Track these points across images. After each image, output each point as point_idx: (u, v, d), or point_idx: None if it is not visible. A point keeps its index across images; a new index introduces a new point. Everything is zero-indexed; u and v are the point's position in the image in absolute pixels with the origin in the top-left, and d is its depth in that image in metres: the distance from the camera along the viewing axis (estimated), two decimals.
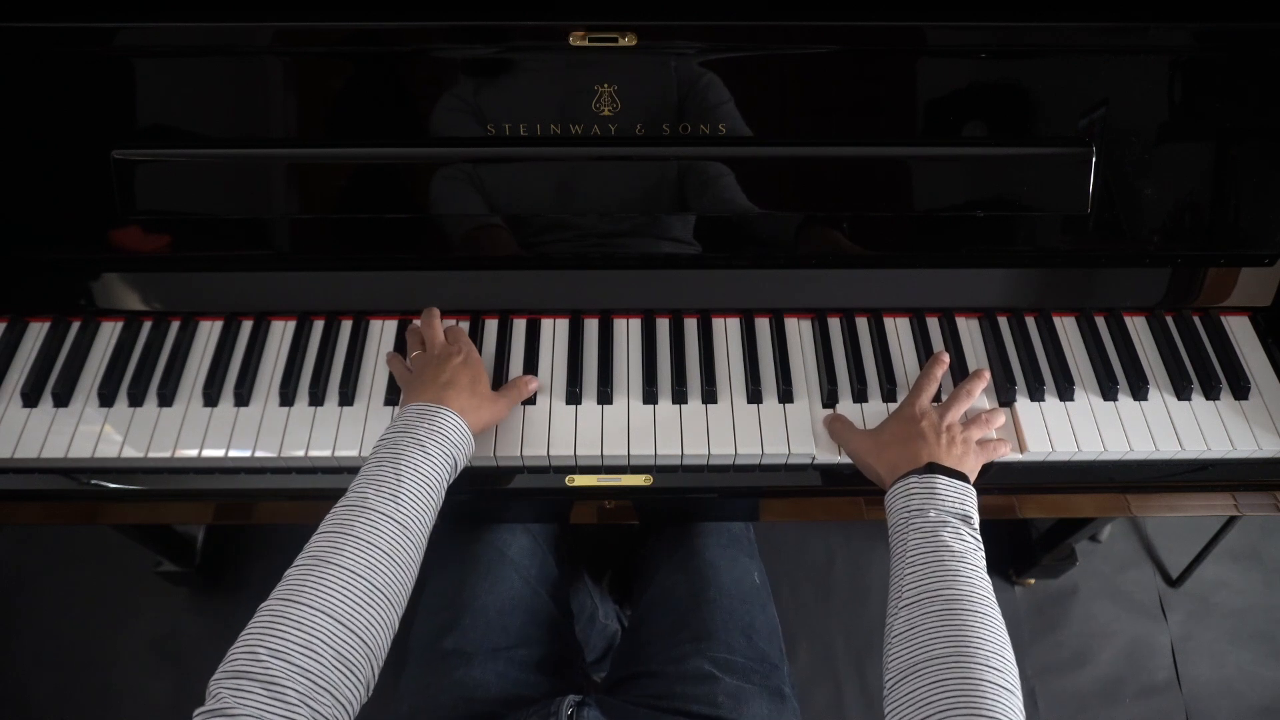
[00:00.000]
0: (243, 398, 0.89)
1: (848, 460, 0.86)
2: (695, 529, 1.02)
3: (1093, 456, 0.88)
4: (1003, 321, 0.96)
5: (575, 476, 0.87)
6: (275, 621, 0.59)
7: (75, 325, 0.94)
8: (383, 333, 0.94)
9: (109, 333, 0.94)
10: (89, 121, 0.86)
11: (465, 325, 0.94)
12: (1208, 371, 0.91)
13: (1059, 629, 1.58)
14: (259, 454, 0.86)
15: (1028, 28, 0.85)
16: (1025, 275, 0.96)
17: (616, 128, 0.87)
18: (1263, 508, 0.93)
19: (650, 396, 0.89)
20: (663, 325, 0.94)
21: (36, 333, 0.94)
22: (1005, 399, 0.90)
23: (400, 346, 0.93)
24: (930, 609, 0.65)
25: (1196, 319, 0.96)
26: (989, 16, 0.84)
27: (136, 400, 0.89)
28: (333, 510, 0.69)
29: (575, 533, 1.17)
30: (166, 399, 0.89)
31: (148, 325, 0.94)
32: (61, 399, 0.89)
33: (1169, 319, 0.96)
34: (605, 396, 0.89)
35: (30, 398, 0.89)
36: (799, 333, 0.94)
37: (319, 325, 0.95)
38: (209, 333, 0.94)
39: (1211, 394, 0.91)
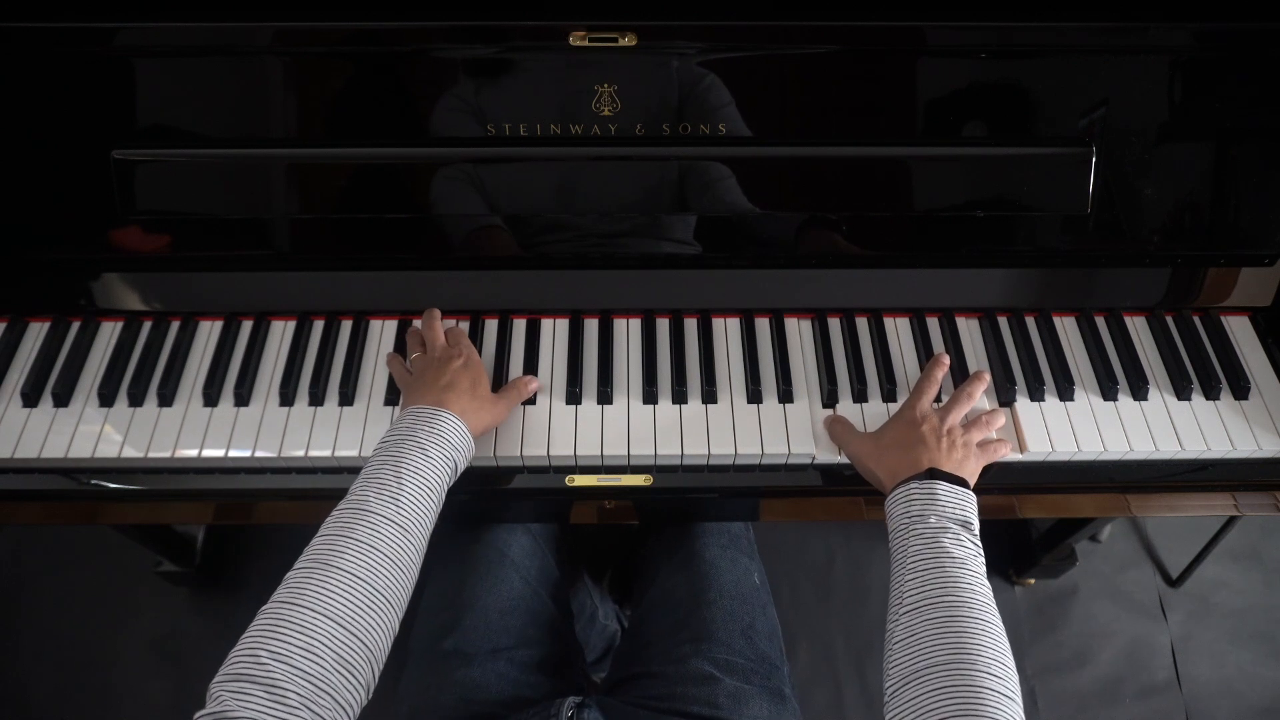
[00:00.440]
0: (243, 398, 0.89)
1: (847, 460, 0.86)
2: (695, 529, 1.01)
3: (1093, 456, 0.88)
4: (1003, 321, 0.96)
5: (575, 476, 0.87)
6: (276, 624, 0.59)
7: (75, 325, 0.94)
8: (383, 333, 0.94)
9: (109, 333, 0.94)
10: (89, 121, 0.86)
11: (465, 325, 0.94)
12: (1208, 371, 0.91)
13: (1059, 629, 1.58)
14: (259, 454, 0.86)
15: (1028, 28, 0.85)
16: (1025, 275, 0.96)
17: (616, 128, 0.87)
18: (1263, 508, 0.93)
19: (650, 396, 0.89)
20: (663, 325, 0.94)
21: (36, 333, 0.94)
22: (1005, 399, 0.90)
23: (400, 347, 0.93)
24: (931, 615, 0.66)
25: (1196, 319, 0.96)
26: (989, 16, 0.84)
27: (136, 400, 0.89)
28: (333, 513, 0.69)
29: (575, 533, 1.17)
30: (166, 399, 0.89)
31: (148, 325, 0.94)
32: (61, 399, 0.89)
33: (1169, 319, 0.96)
34: (605, 396, 0.89)
35: (30, 398, 0.89)
36: (799, 333, 0.94)
37: (319, 325, 0.95)
38: (209, 333, 0.94)
39: (1211, 394, 0.90)
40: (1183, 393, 0.90)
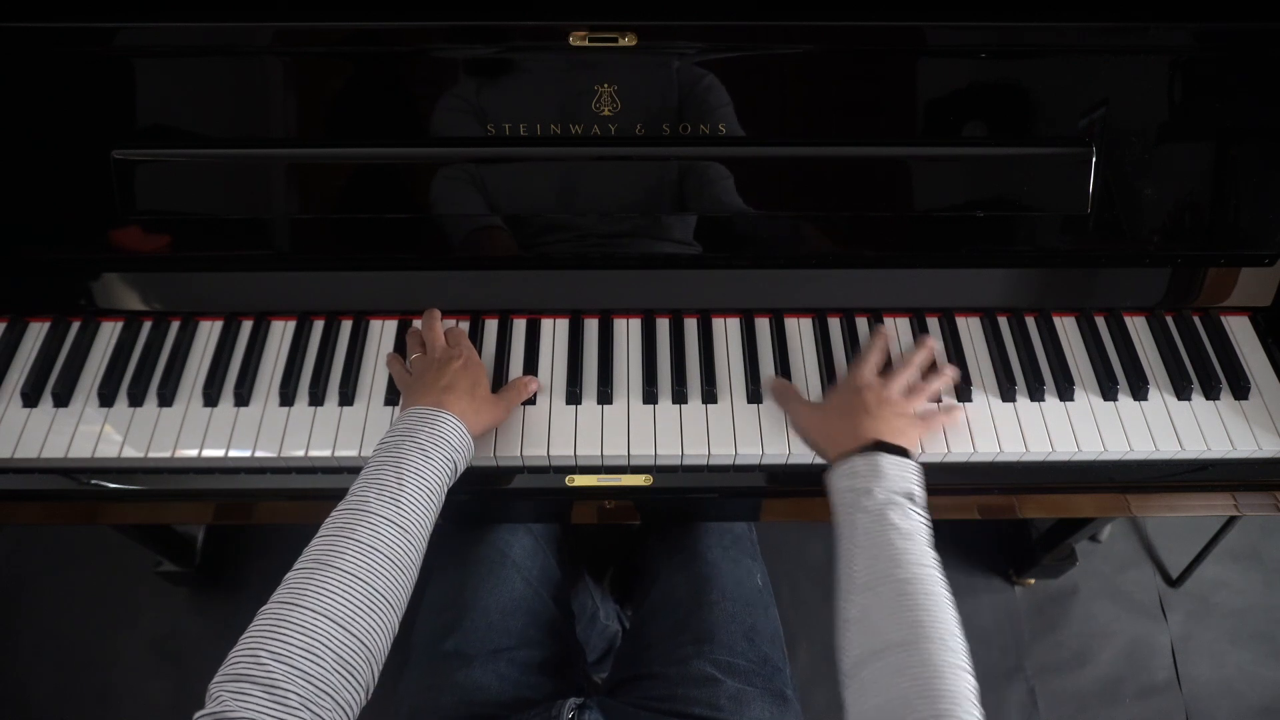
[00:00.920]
0: (243, 398, 0.89)
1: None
2: (697, 530, 1.01)
3: (1093, 456, 0.88)
4: (1003, 321, 0.96)
5: (575, 476, 0.87)
6: (276, 624, 0.59)
7: (75, 325, 0.94)
8: (383, 333, 0.94)
9: (109, 333, 0.94)
10: (89, 121, 0.86)
11: (465, 325, 0.94)
12: (1208, 371, 0.91)
13: (1059, 629, 1.58)
14: (259, 454, 0.86)
15: (1028, 28, 0.85)
16: (1025, 275, 0.96)
17: (616, 128, 0.87)
18: (1263, 508, 0.93)
19: (650, 396, 0.89)
20: (663, 325, 0.94)
21: (36, 333, 0.94)
22: (1005, 399, 0.90)
23: (400, 347, 0.93)
24: (883, 594, 0.66)
25: (1196, 319, 0.96)
26: (989, 16, 0.84)
27: (136, 400, 0.89)
28: (332, 514, 0.69)
29: (576, 533, 1.17)
30: (166, 399, 0.89)
31: (148, 325, 0.94)
32: (61, 399, 0.89)
33: (1169, 319, 0.96)
34: (605, 396, 0.89)
35: (30, 398, 0.89)
36: (799, 333, 0.94)
37: (319, 325, 0.95)
38: (209, 333, 0.94)
39: (1211, 394, 0.91)
40: (1183, 393, 0.90)
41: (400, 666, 0.90)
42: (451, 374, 0.82)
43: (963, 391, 0.90)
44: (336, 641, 0.60)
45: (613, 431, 0.87)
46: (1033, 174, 0.89)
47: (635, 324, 0.95)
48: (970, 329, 0.95)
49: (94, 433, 0.87)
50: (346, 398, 0.89)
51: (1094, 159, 0.88)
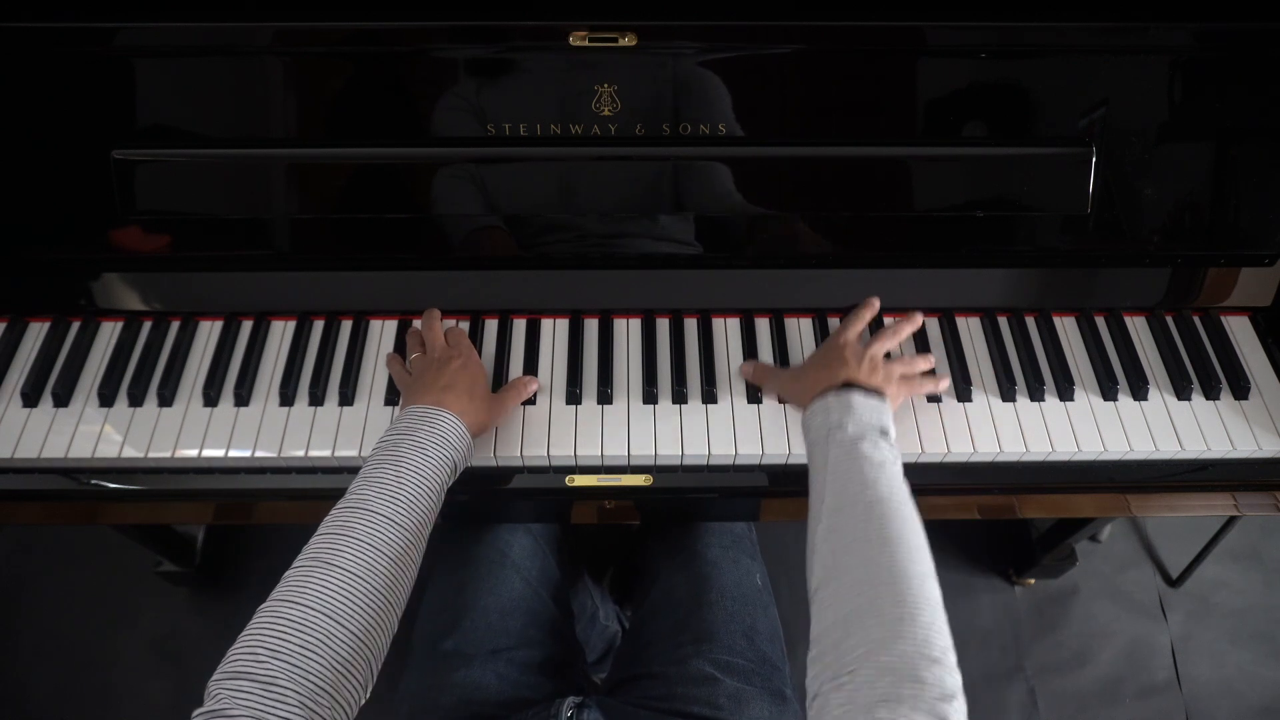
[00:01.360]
0: (243, 398, 0.89)
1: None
2: (697, 530, 1.01)
3: (1093, 456, 0.88)
4: (1003, 321, 0.96)
5: (575, 476, 0.87)
6: (275, 622, 0.59)
7: (75, 325, 0.94)
8: (383, 333, 0.94)
9: (109, 333, 0.94)
10: (89, 121, 0.86)
11: (465, 325, 0.94)
12: (1208, 371, 0.91)
13: (1059, 629, 1.58)
14: (259, 454, 0.86)
15: (1028, 28, 0.85)
16: (1025, 275, 0.96)
17: (616, 128, 0.87)
18: (1263, 508, 0.93)
19: (650, 397, 0.89)
20: (663, 325, 0.94)
21: (36, 333, 0.94)
22: (1006, 399, 0.90)
23: (400, 347, 0.93)
24: (852, 514, 0.66)
25: (1196, 319, 0.96)
26: (989, 16, 0.84)
27: (136, 400, 0.89)
28: (332, 512, 0.69)
29: (576, 533, 1.17)
30: (166, 399, 0.89)
31: (148, 325, 0.94)
32: (61, 399, 0.89)
33: (1169, 319, 0.96)
34: (605, 396, 0.89)
35: (30, 398, 0.89)
36: (799, 333, 0.94)
37: (319, 325, 0.95)
38: (209, 333, 0.94)
39: (1211, 394, 0.90)
40: (1183, 393, 0.90)
41: (400, 666, 0.90)
42: (451, 373, 0.82)
43: (962, 391, 0.90)
44: (335, 639, 0.60)
45: (613, 431, 0.87)
46: (1033, 174, 0.89)
47: (635, 324, 0.95)
48: (970, 329, 0.95)
49: (94, 433, 0.87)
50: (346, 398, 0.89)
51: (1094, 159, 0.88)
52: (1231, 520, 1.54)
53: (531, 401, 0.89)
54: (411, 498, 0.70)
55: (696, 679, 0.85)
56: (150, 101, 0.86)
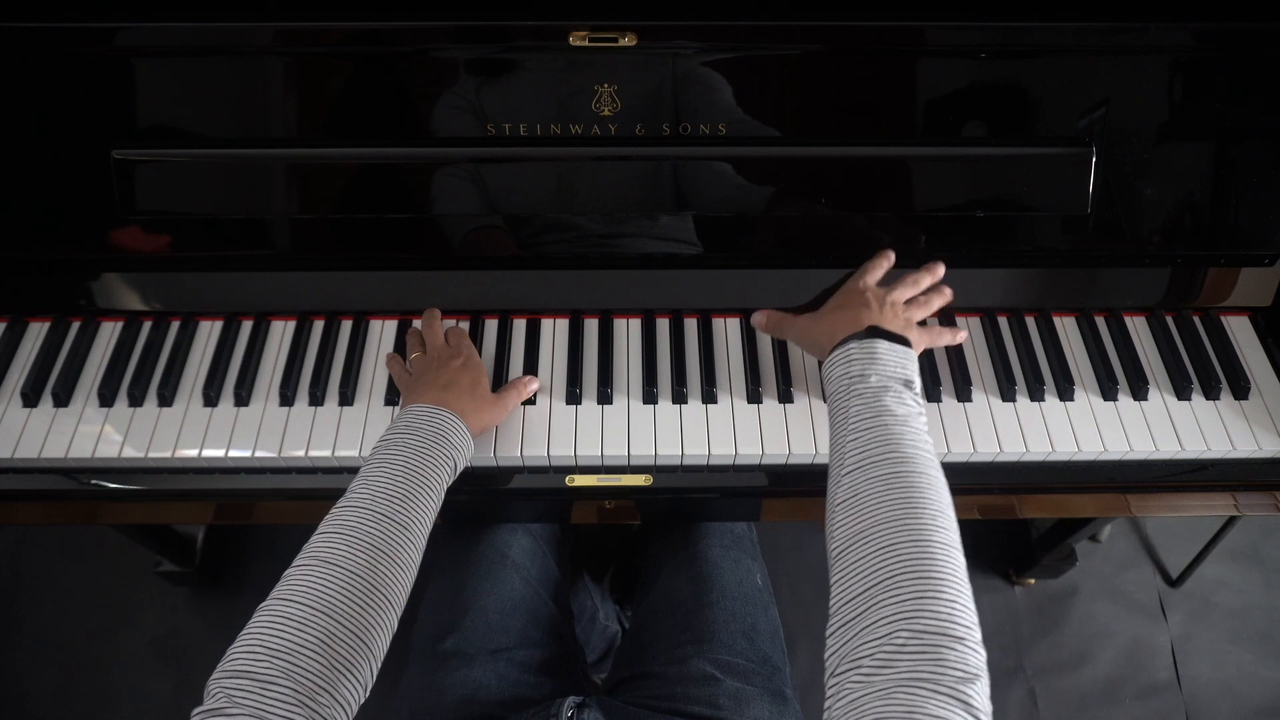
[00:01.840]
0: (243, 398, 0.89)
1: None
2: (697, 530, 1.01)
3: (1093, 456, 0.88)
4: (1003, 321, 0.96)
5: (575, 476, 0.87)
6: (274, 621, 0.59)
7: (75, 325, 0.94)
8: (383, 333, 0.94)
9: (109, 333, 0.94)
10: (89, 121, 0.86)
11: (465, 325, 0.94)
12: (1208, 371, 0.91)
13: (1059, 629, 1.58)
14: (259, 454, 0.86)
15: (1028, 28, 0.85)
16: (1025, 275, 0.96)
17: (616, 127, 0.87)
18: (1263, 508, 0.93)
19: (650, 397, 0.89)
20: (663, 325, 0.94)
21: (36, 333, 0.94)
22: (1006, 399, 0.90)
23: (400, 347, 0.93)
24: (874, 474, 0.63)
25: (1196, 319, 0.96)
26: (989, 16, 0.84)
27: (136, 400, 0.89)
28: (332, 511, 0.69)
29: (577, 533, 1.17)
30: (166, 399, 0.89)
31: (148, 325, 0.94)
32: (61, 399, 0.89)
33: (1169, 319, 0.96)
34: (605, 397, 0.89)
35: (30, 398, 0.89)
36: None
37: (319, 325, 0.95)
38: (209, 333, 0.94)
39: (1211, 394, 0.90)
40: (1183, 393, 0.90)
41: (400, 666, 0.90)
42: (451, 372, 0.82)
43: (963, 391, 0.90)
44: (334, 638, 0.60)
45: (613, 431, 0.87)
46: (1033, 174, 0.89)
47: (635, 324, 0.95)
48: (970, 329, 0.95)
49: (94, 433, 0.87)
50: (346, 398, 0.89)
51: (1094, 159, 0.88)
52: (1231, 520, 1.54)
53: (531, 401, 0.89)
54: (411, 496, 0.70)
55: (697, 679, 0.85)
56: (150, 101, 0.86)
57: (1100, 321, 0.96)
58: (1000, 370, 0.91)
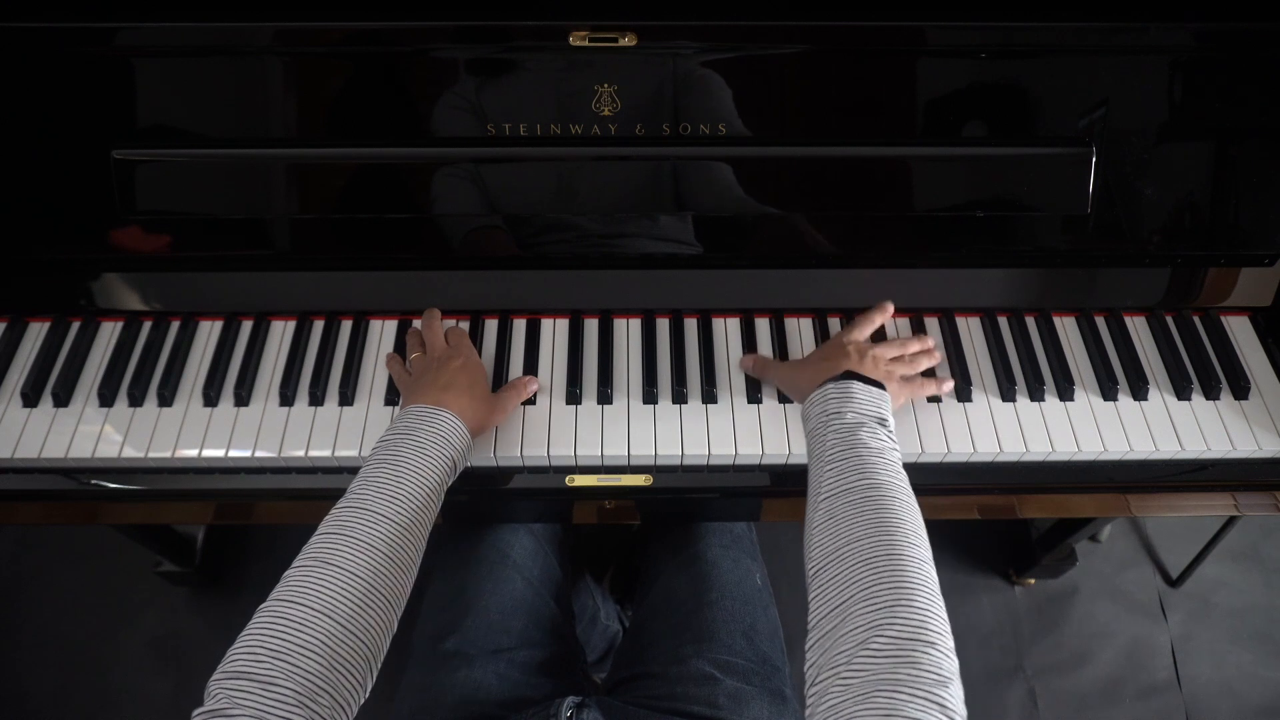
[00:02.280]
0: (243, 398, 0.89)
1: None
2: (698, 530, 1.01)
3: (1093, 456, 0.88)
4: (1003, 321, 0.96)
5: (575, 476, 0.87)
6: (274, 622, 0.59)
7: (75, 325, 0.94)
8: (383, 333, 0.94)
9: (109, 333, 0.94)
10: (89, 121, 0.86)
11: (465, 325, 0.94)
12: (1208, 371, 0.91)
13: (1059, 629, 1.58)
14: (259, 454, 0.86)
15: (1028, 28, 0.85)
16: (1025, 275, 0.96)
17: (616, 127, 0.87)
18: (1263, 508, 0.93)
19: (650, 397, 0.89)
20: (663, 325, 0.94)
21: (36, 333, 0.94)
22: (1005, 399, 0.90)
23: (400, 347, 0.93)
24: (850, 498, 0.66)
25: (1196, 319, 0.96)
26: (989, 16, 0.84)
27: (136, 400, 0.89)
28: (331, 512, 0.69)
29: (577, 534, 1.17)
30: (166, 399, 0.89)
31: (148, 325, 0.94)
32: (61, 399, 0.89)
33: (1169, 319, 0.96)
34: (605, 397, 0.89)
35: (30, 398, 0.89)
36: (799, 332, 0.94)
37: (319, 325, 0.95)
38: (209, 333, 0.94)
39: (1211, 394, 0.90)
40: (1183, 393, 0.90)
41: (401, 666, 0.90)
42: (451, 372, 0.82)
43: (963, 391, 0.90)
44: (334, 639, 0.60)
45: (613, 431, 0.87)
46: (1033, 174, 0.89)
47: (635, 324, 0.95)
48: (970, 329, 0.95)
49: (94, 433, 0.87)
50: (346, 398, 0.89)
51: (1094, 159, 0.88)
52: (1231, 520, 1.54)
53: (531, 401, 0.89)
54: (411, 497, 0.70)
55: (696, 678, 0.85)
56: (150, 101, 0.86)
57: (1100, 321, 0.96)
58: (1000, 370, 0.91)
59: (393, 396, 0.89)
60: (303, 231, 0.91)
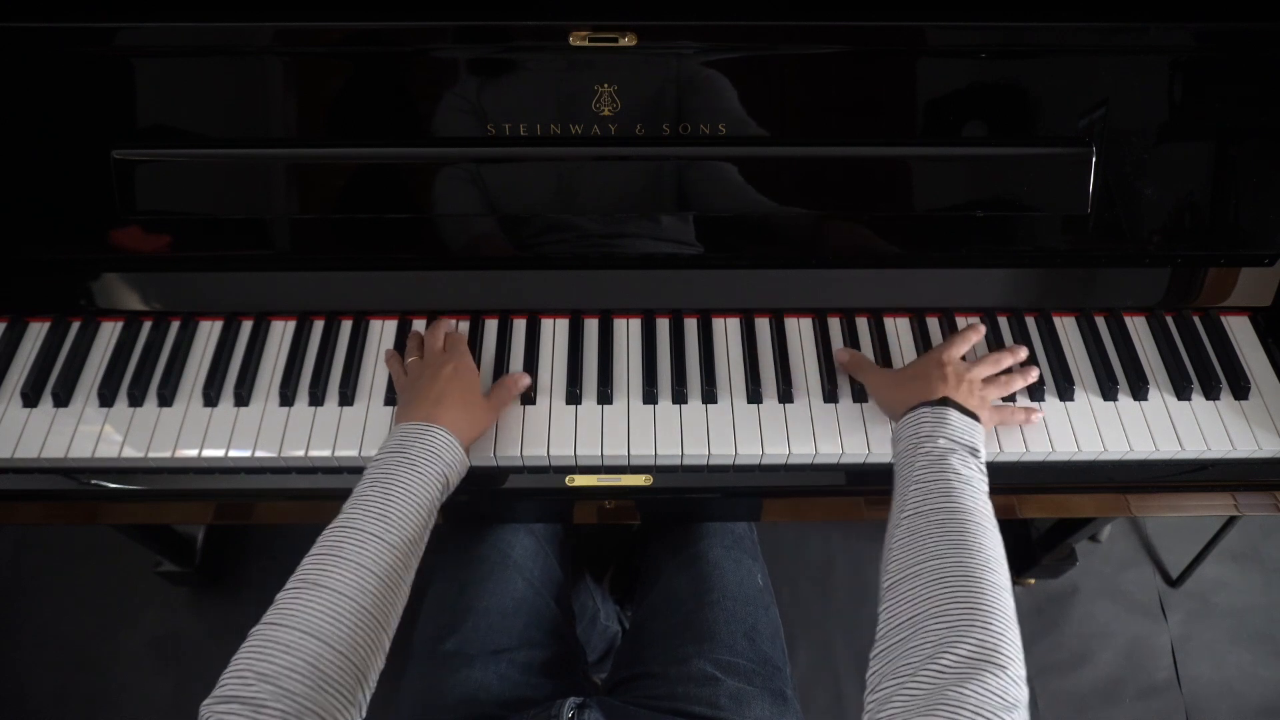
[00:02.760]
0: (243, 398, 0.89)
1: (850, 461, 0.87)
2: (698, 530, 1.01)
3: (1093, 456, 0.88)
4: (1003, 321, 0.96)
5: (575, 476, 0.87)
6: (263, 645, 0.60)
7: (75, 325, 0.94)
8: (383, 333, 0.94)
9: (109, 333, 0.94)
10: (89, 121, 0.86)
11: (465, 325, 0.94)
12: (1208, 371, 0.91)
13: (1059, 629, 1.58)
14: (259, 454, 0.86)
15: (1028, 28, 0.85)
16: (1025, 275, 0.96)
17: (616, 128, 0.87)
18: (1263, 508, 0.93)
19: (650, 397, 0.89)
20: (663, 325, 0.94)
21: (36, 333, 0.94)
22: (1006, 399, 0.90)
23: (401, 348, 0.93)
24: (933, 519, 0.65)
25: (1196, 319, 0.96)
26: (989, 16, 0.84)
27: (136, 400, 0.89)
28: (324, 532, 0.69)
29: (577, 534, 1.17)
30: (166, 399, 0.89)
31: (148, 325, 0.94)
32: (61, 399, 0.89)
33: (1169, 319, 0.96)
34: (605, 396, 0.89)
35: (30, 398, 0.89)
36: (799, 332, 0.94)
37: (319, 325, 0.95)
38: (209, 333, 0.94)
39: (1211, 394, 0.90)
40: (1183, 393, 0.90)
41: (402, 667, 0.90)
42: (443, 382, 0.82)
43: None
44: (324, 660, 0.60)
45: (613, 431, 0.87)
46: (1033, 174, 0.89)
47: (635, 324, 0.95)
48: None
49: (94, 433, 0.87)
50: (346, 398, 0.89)
51: (1094, 159, 0.88)
52: (1231, 520, 1.54)
53: (531, 401, 0.89)
54: (401, 516, 0.70)
55: (697, 679, 0.85)
56: (150, 101, 0.86)
57: (1100, 321, 0.96)
58: (1000, 370, 0.91)
59: (393, 396, 0.89)
60: (303, 231, 0.91)
